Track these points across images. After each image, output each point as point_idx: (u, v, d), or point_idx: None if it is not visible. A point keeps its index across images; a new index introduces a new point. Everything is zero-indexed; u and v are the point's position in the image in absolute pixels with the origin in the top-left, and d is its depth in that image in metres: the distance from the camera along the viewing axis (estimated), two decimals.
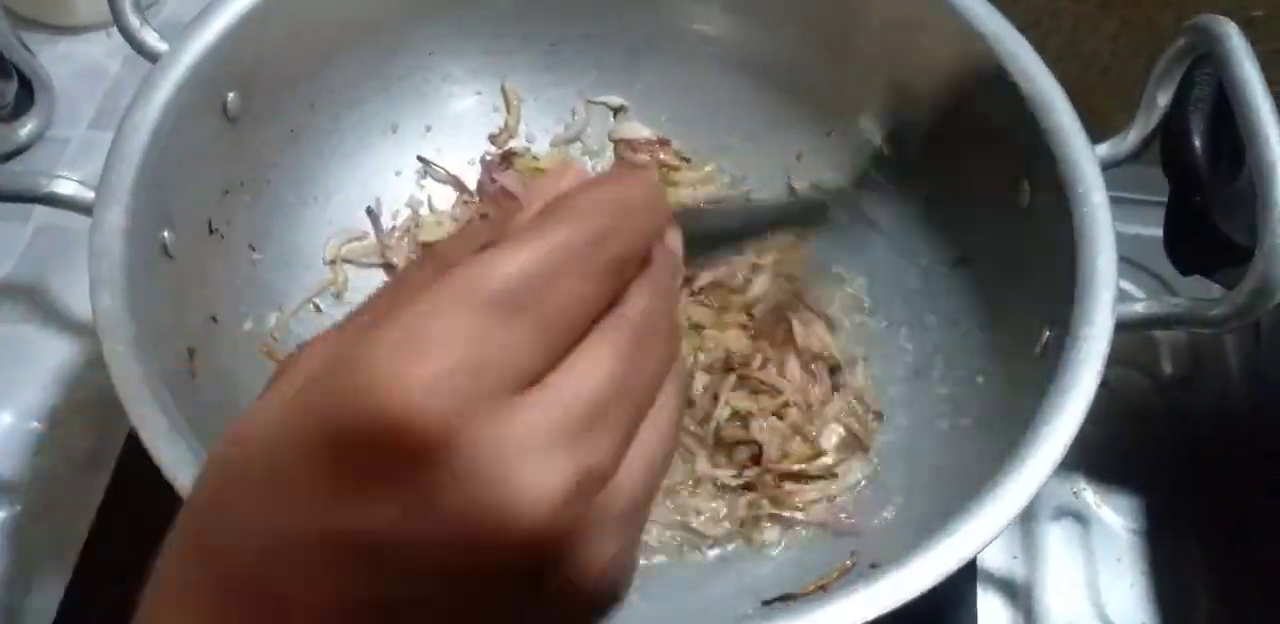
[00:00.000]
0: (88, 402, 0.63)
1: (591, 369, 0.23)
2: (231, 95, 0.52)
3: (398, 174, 0.64)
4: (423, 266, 0.26)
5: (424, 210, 0.64)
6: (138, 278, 0.44)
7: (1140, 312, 0.46)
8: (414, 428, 0.20)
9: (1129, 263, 0.66)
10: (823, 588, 0.49)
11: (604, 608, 0.25)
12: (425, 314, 0.21)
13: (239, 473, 0.23)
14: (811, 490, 0.56)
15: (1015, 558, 0.59)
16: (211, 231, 0.52)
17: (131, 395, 0.41)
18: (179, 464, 0.40)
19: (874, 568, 0.47)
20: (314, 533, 0.21)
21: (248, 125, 0.53)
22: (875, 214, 0.63)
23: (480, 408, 0.21)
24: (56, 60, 0.74)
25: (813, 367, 0.59)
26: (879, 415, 0.58)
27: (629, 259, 0.24)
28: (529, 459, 0.21)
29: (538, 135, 0.67)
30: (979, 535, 0.41)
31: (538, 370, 0.22)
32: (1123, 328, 0.45)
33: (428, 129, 0.64)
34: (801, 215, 0.64)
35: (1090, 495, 0.61)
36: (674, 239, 0.28)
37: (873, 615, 0.39)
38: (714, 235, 0.57)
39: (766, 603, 0.51)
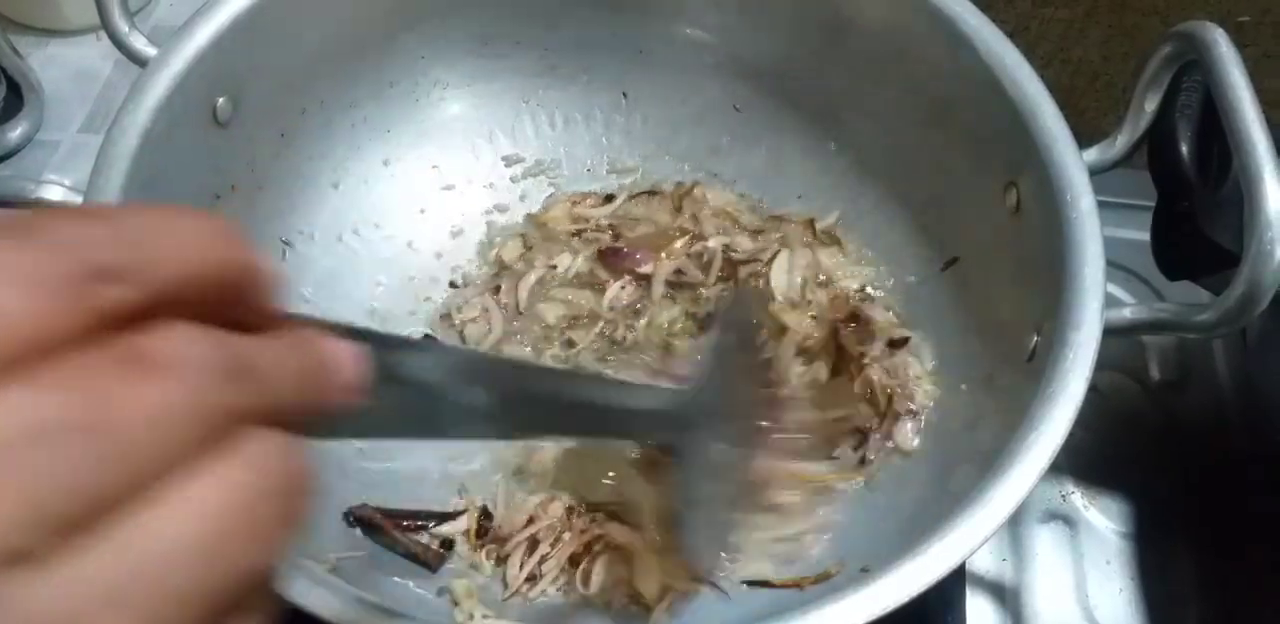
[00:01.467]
0: None
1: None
2: (221, 100, 0.52)
3: (394, 181, 0.64)
4: None
5: None
6: None
7: (1128, 317, 0.46)
8: None
9: (1117, 267, 0.66)
10: (799, 585, 0.50)
11: None
12: None
13: None
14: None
15: (1004, 561, 0.59)
16: None
17: None
18: None
19: (864, 572, 0.47)
20: None
21: (238, 130, 0.53)
22: (865, 217, 0.63)
23: None
24: (46, 63, 0.74)
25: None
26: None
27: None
28: None
29: (532, 141, 0.67)
30: (967, 541, 0.41)
31: None
32: (1111, 333, 0.45)
33: (419, 133, 0.64)
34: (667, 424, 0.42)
35: (1079, 499, 0.62)
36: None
37: (863, 620, 0.39)
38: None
39: (747, 584, 0.52)
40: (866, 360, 0.57)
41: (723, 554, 0.51)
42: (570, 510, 0.55)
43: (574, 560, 0.53)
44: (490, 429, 0.31)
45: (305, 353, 0.21)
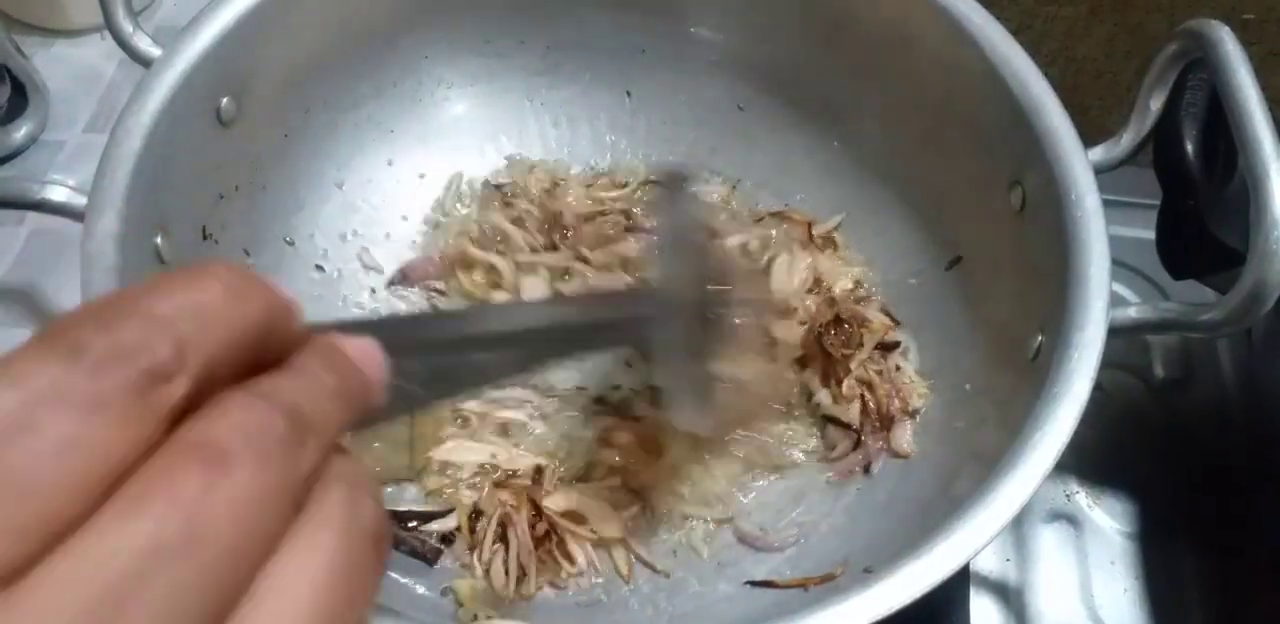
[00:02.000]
0: None
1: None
2: (225, 100, 0.52)
3: (397, 181, 0.64)
4: None
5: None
6: (131, 283, 0.44)
7: (1133, 316, 0.46)
8: None
9: (1123, 266, 0.66)
10: (803, 585, 0.50)
11: None
12: None
13: None
14: None
15: (1008, 561, 0.59)
16: (205, 237, 0.52)
17: None
18: None
19: (867, 572, 0.47)
20: None
21: (242, 130, 0.53)
22: (869, 216, 0.63)
23: None
24: (51, 63, 0.74)
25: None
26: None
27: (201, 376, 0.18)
28: None
29: (536, 140, 0.67)
30: (971, 542, 0.41)
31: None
32: (1115, 333, 0.45)
33: (423, 133, 0.64)
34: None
35: (1083, 498, 0.62)
36: (349, 348, 0.23)
37: (867, 621, 0.39)
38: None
39: (751, 584, 0.52)
40: (854, 364, 0.57)
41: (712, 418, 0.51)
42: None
43: (540, 544, 0.53)
44: (497, 372, 0.34)
45: (336, 367, 0.22)
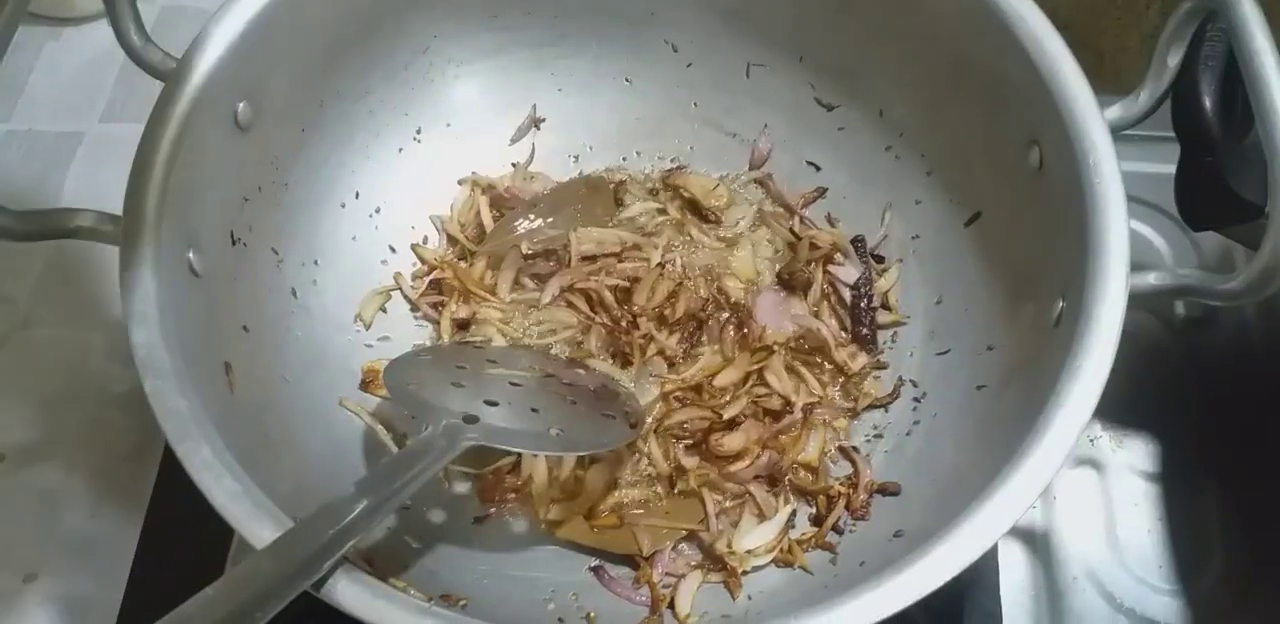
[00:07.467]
0: (122, 398, 0.65)
1: None
2: (242, 105, 0.52)
3: (416, 162, 0.64)
4: None
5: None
6: (169, 306, 0.45)
7: (1153, 283, 0.47)
8: None
9: (1148, 205, 0.65)
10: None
11: None
12: None
13: None
14: None
15: (1034, 506, 0.61)
16: (234, 242, 0.53)
17: (174, 430, 0.42)
18: (225, 494, 0.41)
19: (898, 537, 0.49)
20: None
21: (260, 131, 0.53)
22: (887, 176, 0.63)
23: None
24: (61, 52, 0.74)
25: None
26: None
27: None
28: None
29: (549, 111, 0.67)
30: (1004, 516, 0.41)
31: None
32: (1135, 300, 0.45)
33: (436, 114, 0.64)
34: None
35: (1107, 442, 0.63)
36: None
37: (930, 589, 0.40)
38: None
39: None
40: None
41: None
42: None
43: None
44: None
45: None
